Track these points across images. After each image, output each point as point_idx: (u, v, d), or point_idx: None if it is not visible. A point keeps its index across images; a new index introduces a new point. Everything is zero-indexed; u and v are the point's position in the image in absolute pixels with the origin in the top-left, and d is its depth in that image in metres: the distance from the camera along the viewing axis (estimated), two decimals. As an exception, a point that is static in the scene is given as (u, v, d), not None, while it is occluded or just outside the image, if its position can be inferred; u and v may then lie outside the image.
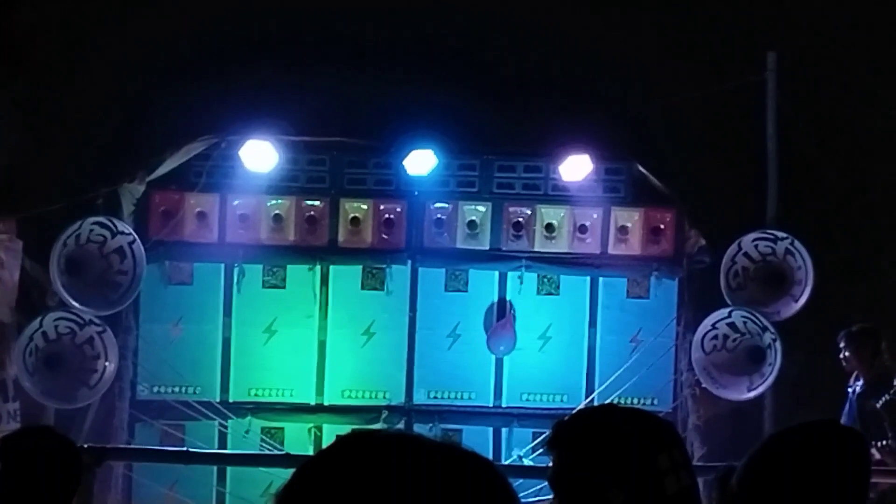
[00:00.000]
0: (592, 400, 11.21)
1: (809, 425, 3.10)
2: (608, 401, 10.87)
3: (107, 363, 10.13)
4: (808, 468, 2.96)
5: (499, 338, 11.34)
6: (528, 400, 11.49)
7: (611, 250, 11.37)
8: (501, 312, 11.37)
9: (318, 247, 11.21)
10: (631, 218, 11.34)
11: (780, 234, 10.51)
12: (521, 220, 11.32)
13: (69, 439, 4.83)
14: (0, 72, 10.01)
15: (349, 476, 1.59)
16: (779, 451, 3.04)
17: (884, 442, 9.35)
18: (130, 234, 10.29)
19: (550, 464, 2.84)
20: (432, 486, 1.57)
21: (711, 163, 10.46)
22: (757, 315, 10.47)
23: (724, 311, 10.56)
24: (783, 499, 2.95)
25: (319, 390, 11.32)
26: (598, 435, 2.75)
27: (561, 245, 11.34)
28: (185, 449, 10.19)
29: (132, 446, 10.74)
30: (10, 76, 10.05)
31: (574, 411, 3.08)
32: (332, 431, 11.22)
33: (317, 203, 11.19)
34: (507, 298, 11.39)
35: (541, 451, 11.02)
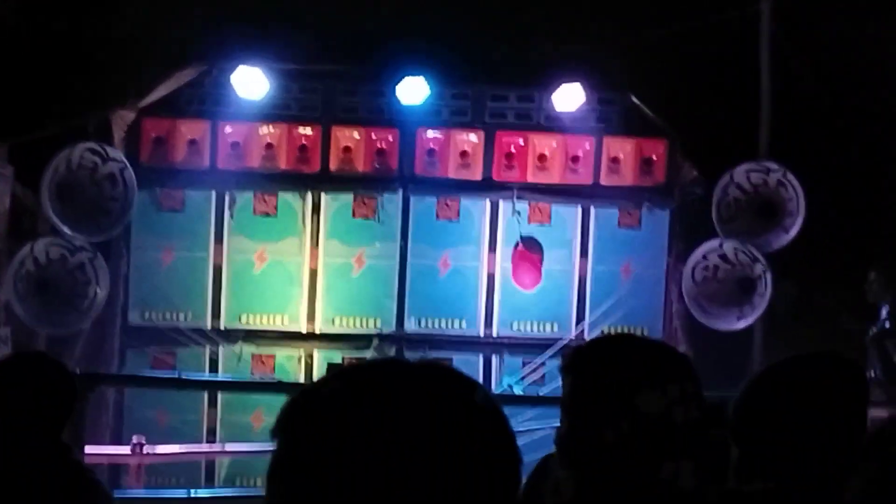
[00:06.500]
0: (583, 330, 11.27)
1: (809, 356, 3.12)
2: (599, 330, 10.92)
3: (98, 289, 10.14)
4: (806, 399, 2.99)
5: (519, 272, 11.34)
6: (518, 329, 11.54)
7: (602, 181, 11.36)
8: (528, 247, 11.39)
9: (309, 175, 11.19)
10: (623, 148, 11.33)
11: (773, 166, 10.50)
12: (513, 149, 11.30)
13: (62, 365, 4.84)
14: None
15: (337, 406, 1.61)
16: (778, 381, 3.06)
17: (871, 374, 9.43)
18: (122, 160, 10.25)
19: (562, 389, 2.87)
20: (416, 411, 1.59)
21: (705, 94, 10.43)
22: (748, 246, 10.49)
23: (715, 242, 10.57)
24: (781, 428, 2.98)
25: (311, 318, 11.36)
26: (611, 361, 2.78)
27: (553, 175, 11.33)
28: (176, 375, 10.24)
29: (124, 373, 10.79)
30: None
31: (589, 339, 3.12)
32: (323, 359, 11.28)
33: (308, 131, 11.16)
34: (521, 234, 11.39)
35: (531, 380, 11.09)
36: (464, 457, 1.58)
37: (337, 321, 11.40)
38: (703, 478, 2.76)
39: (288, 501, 1.60)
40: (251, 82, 10.65)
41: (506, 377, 11.29)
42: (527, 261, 11.33)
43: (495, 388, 11.01)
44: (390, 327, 11.41)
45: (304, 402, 1.66)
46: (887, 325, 9.87)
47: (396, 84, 10.74)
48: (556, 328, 11.48)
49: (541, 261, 11.40)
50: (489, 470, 1.60)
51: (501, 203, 11.39)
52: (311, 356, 11.39)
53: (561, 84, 10.83)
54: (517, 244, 11.36)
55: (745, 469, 3.02)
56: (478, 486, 1.58)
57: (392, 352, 11.26)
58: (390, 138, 11.21)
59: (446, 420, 1.59)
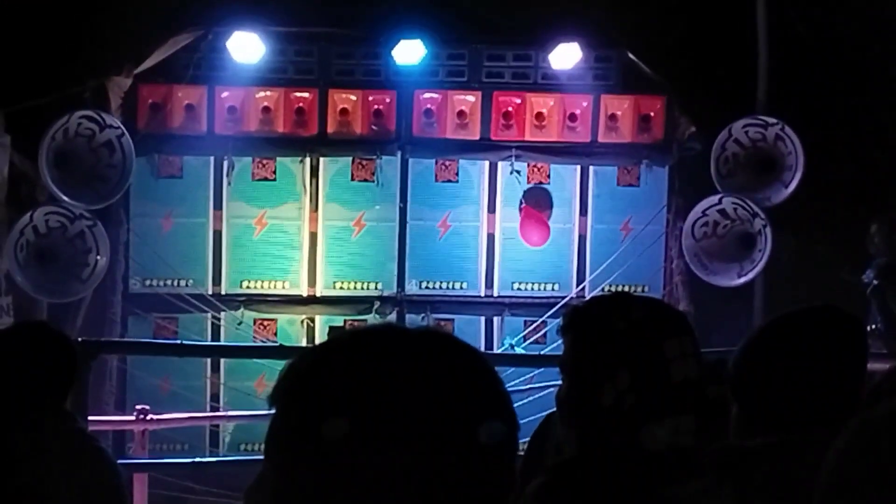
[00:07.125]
0: (584, 288, 11.27)
1: (807, 310, 3.11)
2: (599, 289, 10.93)
3: (98, 257, 10.14)
4: (805, 354, 2.98)
5: (526, 229, 11.32)
6: (519, 289, 11.55)
7: (601, 138, 11.34)
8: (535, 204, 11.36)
9: (307, 138, 11.17)
10: (621, 106, 11.30)
11: (771, 120, 10.48)
12: (510, 109, 11.27)
13: (64, 334, 4.85)
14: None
15: (333, 373, 1.62)
16: (777, 337, 3.06)
17: (872, 326, 9.44)
18: (119, 127, 10.23)
19: (563, 348, 2.88)
20: (412, 376, 1.60)
21: (702, 49, 10.39)
22: (747, 201, 10.48)
23: (714, 198, 10.57)
24: (781, 384, 2.98)
25: (312, 281, 11.37)
26: (609, 319, 2.79)
27: (551, 134, 11.30)
28: (178, 341, 10.25)
29: (126, 339, 10.80)
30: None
31: (588, 298, 3.13)
32: (324, 322, 11.29)
33: (305, 94, 11.13)
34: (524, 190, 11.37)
35: (532, 340, 11.11)
36: (460, 423, 1.58)
37: (338, 284, 11.40)
38: (702, 434, 2.77)
39: (286, 468, 1.61)
40: (247, 46, 10.61)
41: (507, 337, 11.31)
42: (533, 218, 11.30)
43: (497, 349, 11.04)
44: (391, 289, 11.41)
45: (300, 369, 1.66)
46: (873, 276, 9.85)
47: (392, 46, 10.71)
48: (556, 287, 11.49)
49: (548, 216, 11.38)
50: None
51: (500, 163, 11.37)
52: (312, 320, 11.40)
53: (557, 43, 10.80)
54: (521, 202, 11.34)
55: (745, 425, 3.02)
56: (474, 452, 1.58)
57: (393, 314, 11.28)
58: (387, 100, 11.18)
59: (443, 386, 1.60)
